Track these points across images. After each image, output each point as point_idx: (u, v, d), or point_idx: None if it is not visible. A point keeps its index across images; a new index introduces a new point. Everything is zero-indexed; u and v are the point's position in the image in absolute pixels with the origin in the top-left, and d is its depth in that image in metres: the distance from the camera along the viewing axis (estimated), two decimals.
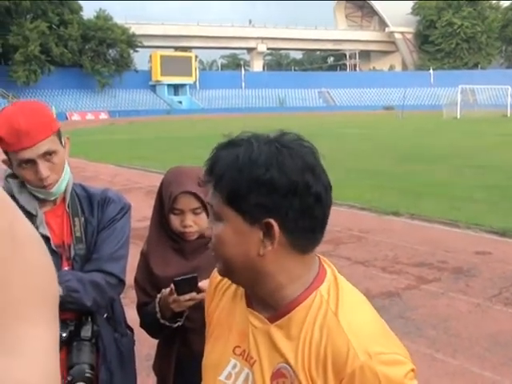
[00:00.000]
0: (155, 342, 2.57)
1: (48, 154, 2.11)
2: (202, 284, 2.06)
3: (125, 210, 2.36)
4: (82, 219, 2.27)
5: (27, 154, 2.06)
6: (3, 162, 2.20)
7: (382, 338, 1.25)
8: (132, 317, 2.62)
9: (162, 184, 2.34)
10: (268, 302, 1.33)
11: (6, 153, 2.11)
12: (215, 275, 1.59)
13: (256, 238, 1.25)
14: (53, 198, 2.20)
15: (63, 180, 2.19)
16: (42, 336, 0.34)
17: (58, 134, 2.17)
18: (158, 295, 2.25)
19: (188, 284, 2.10)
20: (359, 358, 1.17)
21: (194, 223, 2.26)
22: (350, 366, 1.18)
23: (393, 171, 15.86)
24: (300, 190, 1.22)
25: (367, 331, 1.24)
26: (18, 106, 2.14)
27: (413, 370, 1.22)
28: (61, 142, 2.19)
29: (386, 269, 7.18)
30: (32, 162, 2.09)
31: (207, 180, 1.30)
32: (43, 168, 2.09)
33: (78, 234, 2.24)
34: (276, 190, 1.21)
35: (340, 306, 1.27)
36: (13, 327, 0.33)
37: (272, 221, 1.23)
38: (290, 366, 1.27)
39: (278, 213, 1.23)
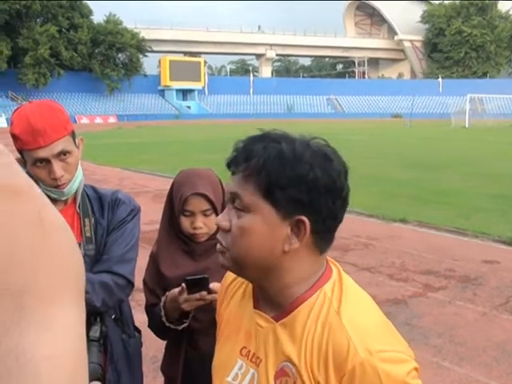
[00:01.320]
0: (161, 344, 2.57)
1: (62, 154, 2.11)
2: (213, 286, 2.07)
3: (135, 211, 2.37)
4: (93, 220, 2.28)
5: (42, 153, 2.07)
6: (17, 160, 2.20)
7: (385, 336, 1.25)
8: (139, 319, 2.62)
9: (172, 185, 2.35)
10: (275, 301, 1.34)
11: (20, 152, 2.12)
12: (227, 277, 1.60)
13: (284, 233, 1.26)
14: (64, 198, 2.20)
15: (76, 180, 2.19)
16: (70, 317, 0.35)
17: (73, 135, 2.18)
18: (163, 298, 2.25)
19: (199, 284, 2.11)
20: (359, 355, 1.18)
21: (204, 225, 2.26)
22: (350, 362, 1.18)
23: (401, 179, 15.84)
24: (335, 192, 1.26)
25: (369, 329, 1.24)
26: (35, 105, 2.15)
27: (416, 369, 1.22)
28: (75, 143, 2.20)
29: (392, 276, 7.16)
30: (46, 162, 2.09)
31: (238, 170, 1.29)
32: (57, 168, 2.10)
33: (88, 235, 2.25)
34: (316, 188, 1.23)
35: (343, 303, 1.28)
36: (41, 309, 0.34)
37: (304, 218, 1.24)
38: (294, 365, 1.27)
39: (312, 211, 1.25)
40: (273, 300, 1.34)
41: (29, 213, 0.36)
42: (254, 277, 1.35)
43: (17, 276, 0.33)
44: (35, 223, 0.36)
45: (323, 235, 1.29)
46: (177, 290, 2.16)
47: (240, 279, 1.51)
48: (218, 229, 1.35)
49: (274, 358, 1.31)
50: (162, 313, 2.24)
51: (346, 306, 1.27)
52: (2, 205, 0.35)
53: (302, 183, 1.23)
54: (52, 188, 2.14)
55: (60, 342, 0.34)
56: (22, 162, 2.15)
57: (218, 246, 1.34)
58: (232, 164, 1.31)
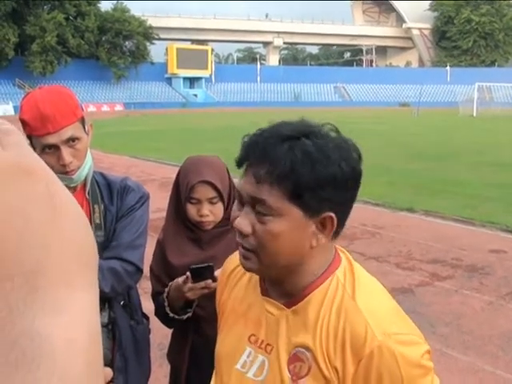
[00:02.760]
0: (168, 331, 2.58)
1: (71, 141, 2.11)
2: (218, 273, 2.07)
3: (144, 198, 2.37)
4: (102, 206, 2.28)
5: (51, 139, 2.07)
6: None
7: (398, 320, 1.27)
8: (146, 307, 2.63)
9: (179, 173, 2.35)
10: (286, 288, 1.34)
11: (29, 138, 2.12)
12: (228, 264, 1.59)
13: (310, 230, 1.26)
14: (74, 185, 2.20)
15: (85, 167, 2.19)
16: (84, 299, 0.35)
17: (82, 121, 2.17)
18: (166, 289, 2.26)
19: (204, 272, 2.11)
20: (377, 338, 1.19)
21: (211, 213, 2.26)
22: (368, 346, 1.19)
23: (408, 168, 15.80)
24: (358, 182, 1.28)
25: (384, 313, 1.26)
26: (45, 91, 2.14)
27: (428, 352, 1.23)
28: (84, 129, 2.19)
29: (399, 265, 7.16)
30: (55, 148, 2.09)
31: (263, 173, 1.23)
32: (66, 154, 2.09)
33: (97, 221, 2.25)
34: (345, 185, 1.24)
35: (357, 289, 1.29)
36: (55, 290, 0.34)
37: (333, 215, 1.24)
38: (308, 350, 1.28)
39: (339, 206, 1.25)
40: (284, 287, 1.35)
41: (40, 192, 0.36)
42: (280, 274, 1.34)
43: (30, 257, 0.33)
44: (46, 203, 0.36)
45: (342, 224, 1.30)
46: (180, 279, 2.16)
47: None
48: (233, 228, 1.33)
49: (287, 345, 1.32)
50: (166, 303, 2.25)
51: (359, 291, 1.28)
52: (12, 184, 0.35)
53: (332, 183, 1.22)
54: (61, 175, 2.13)
55: (75, 324, 0.34)
56: (31, 148, 2.14)
57: (242, 250, 1.31)
58: (251, 166, 1.27)
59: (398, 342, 1.19)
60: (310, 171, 1.20)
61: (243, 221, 1.28)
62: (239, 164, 1.30)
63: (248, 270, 1.34)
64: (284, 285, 1.35)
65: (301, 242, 1.27)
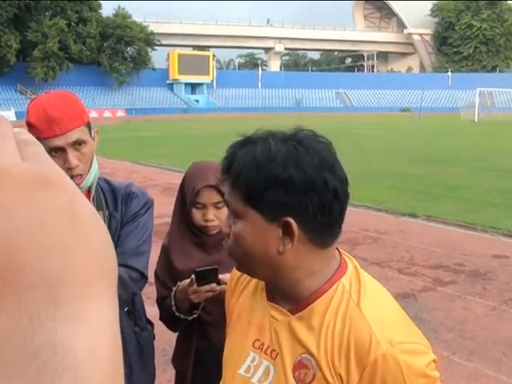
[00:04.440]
0: (171, 337, 2.58)
1: (78, 144, 2.11)
2: (223, 276, 2.08)
3: (148, 204, 2.37)
4: (107, 213, 2.28)
5: (57, 142, 2.07)
6: None
7: (404, 328, 1.27)
8: (150, 313, 2.63)
9: (184, 178, 2.35)
10: (289, 295, 1.34)
11: None
12: (236, 271, 1.60)
13: (275, 235, 1.26)
14: None
15: (91, 173, 2.19)
16: (104, 309, 0.36)
17: (88, 126, 2.18)
18: (174, 288, 2.26)
19: (208, 275, 2.11)
20: (381, 347, 1.19)
21: (216, 217, 2.27)
22: (372, 354, 1.19)
23: (410, 173, 15.79)
24: (318, 187, 1.23)
25: (389, 321, 1.26)
26: (51, 95, 2.16)
27: (434, 361, 1.23)
28: (90, 134, 2.20)
29: (402, 270, 7.16)
30: (62, 151, 2.09)
31: (224, 178, 1.30)
32: (72, 157, 2.10)
33: None
34: (294, 187, 1.22)
35: (362, 296, 1.28)
36: (76, 301, 0.34)
37: (290, 219, 1.23)
38: (313, 357, 1.27)
39: (297, 210, 1.23)
40: (287, 294, 1.35)
41: (61, 204, 0.36)
42: (263, 276, 1.37)
43: (51, 267, 0.34)
44: (67, 214, 0.36)
45: (320, 231, 1.27)
46: (187, 280, 2.17)
47: None
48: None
49: (292, 351, 1.32)
50: (173, 302, 2.25)
51: (365, 299, 1.28)
52: (33, 196, 0.35)
53: (278, 185, 1.22)
54: None
55: (97, 335, 0.34)
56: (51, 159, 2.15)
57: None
58: (222, 173, 1.33)
59: (403, 350, 1.19)
60: (255, 173, 1.22)
61: (225, 223, 1.37)
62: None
63: (236, 268, 1.42)
64: (283, 290, 1.35)
65: (265, 246, 1.27)
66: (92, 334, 0.34)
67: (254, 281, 1.50)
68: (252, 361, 1.39)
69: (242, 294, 1.54)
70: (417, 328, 1.30)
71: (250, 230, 1.27)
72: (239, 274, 1.56)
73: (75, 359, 0.33)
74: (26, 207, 0.34)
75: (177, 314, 2.26)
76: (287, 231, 1.25)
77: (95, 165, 2.22)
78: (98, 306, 0.36)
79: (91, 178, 2.20)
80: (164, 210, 3.18)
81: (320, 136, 1.32)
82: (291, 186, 1.21)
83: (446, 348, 4.92)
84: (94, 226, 0.38)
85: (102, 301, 0.36)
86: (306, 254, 1.29)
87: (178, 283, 2.24)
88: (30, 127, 2.09)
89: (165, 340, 4.01)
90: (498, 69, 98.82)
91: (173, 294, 2.26)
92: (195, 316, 2.27)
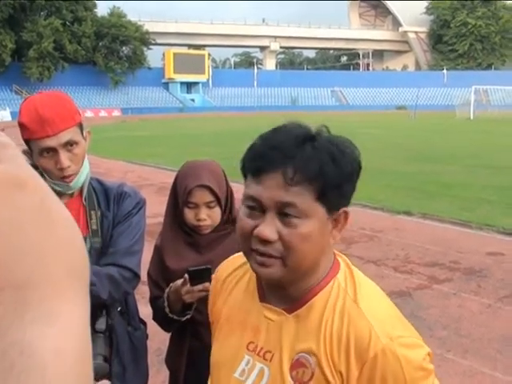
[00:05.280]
0: (165, 336, 2.58)
1: (69, 145, 2.11)
2: None
3: (140, 204, 2.37)
4: (99, 213, 2.28)
5: (49, 143, 2.07)
6: (23, 152, 2.20)
7: (400, 323, 1.29)
8: (143, 312, 2.63)
9: (176, 177, 2.35)
10: (288, 294, 1.34)
11: (26, 143, 2.12)
12: (221, 271, 1.58)
13: (329, 228, 1.29)
14: (71, 192, 2.20)
15: (82, 173, 2.19)
16: (76, 311, 0.35)
17: (80, 126, 2.18)
18: (166, 289, 2.26)
19: (202, 275, 2.11)
20: (381, 341, 1.20)
21: (208, 217, 2.27)
22: (372, 349, 1.20)
23: (405, 171, 15.81)
24: (355, 178, 1.32)
25: (386, 316, 1.27)
26: (44, 95, 2.16)
27: (429, 354, 1.25)
28: (82, 134, 2.20)
29: (397, 268, 7.16)
30: (53, 151, 2.10)
31: (290, 177, 1.23)
32: (64, 158, 2.10)
33: (94, 228, 2.25)
34: (355, 180, 1.30)
35: (358, 292, 1.30)
36: (45, 303, 0.33)
37: (347, 209, 1.30)
38: (312, 355, 1.28)
39: (349, 201, 1.30)
40: (285, 293, 1.34)
41: (34, 206, 0.36)
42: (296, 279, 1.32)
43: (20, 269, 0.33)
44: (40, 216, 0.36)
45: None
46: (180, 281, 2.17)
47: (237, 272, 1.51)
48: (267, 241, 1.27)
49: (289, 350, 1.31)
50: (166, 303, 2.25)
51: (361, 295, 1.29)
52: (7, 197, 0.35)
53: (352, 179, 1.28)
54: (58, 181, 2.14)
55: (65, 336, 0.34)
56: (29, 153, 2.15)
57: (261, 258, 1.27)
58: (269, 171, 1.25)
59: (401, 344, 1.21)
60: (335, 170, 1.24)
61: (268, 227, 1.25)
62: (256, 173, 1.27)
63: (268, 277, 1.30)
64: (287, 290, 1.34)
65: (325, 241, 1.29)
66: (61, 335, 0.34)
67: (244, 281, 1.49)
68: (246, 364, 1.39)
69: (230, 296, 1.52)
70: (408, 322, 1.32)
71: (316, 228, 1.26)
72: (225, 275, 1.55)
73: (42, 360, 0.32)
74: None
75: (170, 315, 2.25)
76: (336, 222, 1.30)
77: (86, 165, 2.22)
78: (69, 307, 0.35)
79: (82, 177, 2.20)
80: (159, 209, 3.18)
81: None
82: (355, 179, 1.29)
83: (441, 345, 4.92)
84: (66, 227, 0.37)
85: (74, 302, 0.36)
86: (331, 248, 1.35)
87: (171, 285, 2.24)
88: (22, 127, 2.09)
89: (159, 340, 4.01)
90: (493, 66, 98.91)
91: (165, 295, 2.26)
92: (188, 317, 2.27)
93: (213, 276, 1.71)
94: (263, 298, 1.40)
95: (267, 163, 1.25)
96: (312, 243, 1.26)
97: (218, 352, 1.49)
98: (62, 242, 0.36)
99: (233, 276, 1.52)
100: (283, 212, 1.25)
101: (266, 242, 1.25)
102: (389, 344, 1.20)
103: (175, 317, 2.25)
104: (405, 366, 1.18)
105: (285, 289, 1.34)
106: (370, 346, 1.21)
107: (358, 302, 1.27)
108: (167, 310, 2.25)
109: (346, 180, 1.26)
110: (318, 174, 1.22)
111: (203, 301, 2.16)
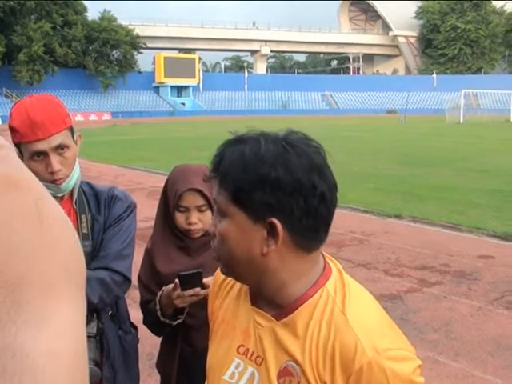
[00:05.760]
0: (157, 340, 2.57)
1: (60, 148, 2.11)
2: (207, 280, 2.06)
3: (131, 208, 2.37)
4: (89, 216, 2.27)
5: (40, 146, 2.07)
6: None
7: (389, 335, 1.26)
8: (134, 316, 2.62)
9: (167, 181, 2.35)
10: (273, 300, 1.33)
11: (17, 146, 2.12)
12: (220, 274, 1.58)
13: (260, 236, 1.25)
14: (61, 194, 2.19)
15: (73, 176, 2.19)
16: (70, 312, 0.35)
17: (71, 130, 2.18)
18: (159, 293, 2.25)
19: (193, 279, 2.10)
20: (367, 354, 1.18)
21: (199, 220, 2.26)
22: (357, 361, 1.18)
23: (395, 174, 15.85)
24: (305, 190, 1.22)
25: (374, 327, 1.24)
26: (35, 99, 2.15)
27: (419, 367, 1.22)
28: (73, 138, 2.19)
29: (388, 271, 7.17)
30: (44, 155, 2.09)
31: (213, 176, 1.29)
32: (55, 161, 2.09)
33: (84, 231, 2.24)
34: (281, 188, 1.21)
35: (347, 303, 1.27)
36: (40, 303, 0.33)
37: (275, 220, 1.22)
38: (297, 364, 1.26)
39: (283, 212, 1.22)
40: (271, 299, 1.33)
41: (28, 206, 0.35)
42: (247, 279, 1.35)
43: (14, 269, 0.33)
44: (34, 217, 0.35)
45: (305, 234, 1.26)
46: (172, 285, 2.16)
47: None
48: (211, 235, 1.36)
49: (276, 358, 1.30)
50: (158, 307, 2.24)
51: (350, 305, 1.26)
52: (0, 197, 0.35)
53: (265, 185, 1.21)
54: (49, 183, 2.13)
55: (59, 337, 0.33)
56: (19, 156, 2.14)
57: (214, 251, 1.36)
58: (211, 170, 1.32)
59: (389, 357, 1.18)
60: (243, 172, 1.22)
61: (211, 222, 1.36)
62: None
63: (221, 271, 1.39)
64: (267, 295, 1.33)
65: (249, 246, 1.26)
66: (55, 336, 0.33)
67: (238, 284, 1.49)
68: (237, 367, 1.38)
69: (226, 298, 1.52)
70: (401, 332, 1.29)
71: (234, 230, 1.26)
72: (223, 277, 1.55)
73: (35, 363, 0.32)
74: None
75: (162, 318, 2.25)
76: (272, 232, 1.24)
77: (77, 168, 2.22)
78: (63, 308, 0.35)
79: (73, 180, 2.20)
80: (150, 213, 3.18)
81: (311, 139, 1.31)
82: (278, 187, 1.20)
83: (431, 348, 4.93)
84: (61, 228, 0.37)
85: (68, 303, 0.35)
86: (290, 258, 1.28)
87: (163, 288, 2.23)
88: (13, 131, 2.08)
89: (151, 344, 4.00)
90: (482, 70, 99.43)
91: (158, 298, 2.25)
92: (180, 321, 2.26)
93: (208, 278, 1.71)
94: (255, 303, 1.40)
95: (211, 164, 1.33)
96: (231, 244, 1.27)
97: (213, 354, 1.48)
98: (57, 243, 0.36)
99: (229, 279, 1.52)
100: (215, 209, 1.32)
101: (212, 236, 1.33)
102: (375, 357, 1.17)
103: (167, 320, 2.25)
104: (391, 380, 1.16)
105: (267, 295, 1.34)
106: (355, 358, 1.18)
107: (346, 312, 1.25)
108: (159, 313, 2.24)
109: (257, 185, 1.21)
110: (226, 175, 1.25)
111: (195, 305, 2.16)
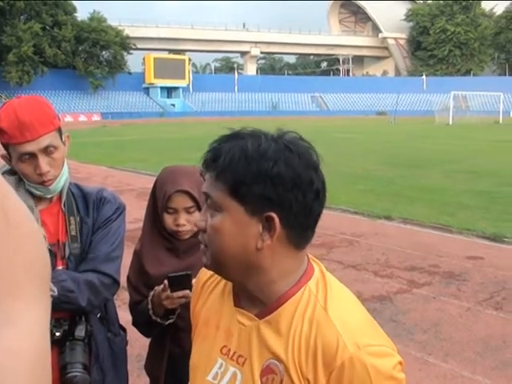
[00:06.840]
0: (146, 342, 2.57)
1: (49, 149, 2.10)
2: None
3: (120, 210, 2.35)
4: (78, 218, 2.26)
5: (29, 147, 2.06)
6: (2, 156, 2.18)
7: (370, 331, 1.26)
8: (124, 318, 2.61)
9: (156, 183, 2.34)
10: (257, 298, 1.33)
11: (5, 147, 2.10)
12: (202, 274, 1.59)
13: (255, 230, 1.25)
14: (50, 196, 2.18)
15: (61, 177, 2.17)
16: (34, 311, 0.34)
17: (59, 131, 2.17)
18: (151, 292, 2.25)
19: (182, 281, 2.10)
20: (348, 350, 1.18)
21: (188, 222, 2.26)
22: (339, 357, 1.18)
23: (385, 176, 15.90)
24: (304, 185, 1.24)
25: (356, 324, 1.25)
26: (23, 99, 2.14)
27: (400, 363, 1.23)
28: (61, 139, 2.18)
29: (377, 273, 7.19)
30: (33, 156, 2.08)
31: (209, 170, 1.29)
32: (43, 163, 2.08)
33: (73, 233, 2.23)
34: (282, 183, 1.23)
35: (329, 300, 1.28)
36: (4, 303, 0.33)
37: (273, 214, 1.23)
38: (280, 361, 1.27)
39: (281, 206, 1.24)
40: (255, 298, 1.34)
41: None
42: (234, 275, 1.34)
43: None
44: None
45: (298, 231, 1.28)
46: (161, 286, 2.16)
47: (216, 276, 1.51)
48: (199, 229, 1.35)
49: (259, 356, 1.31)
50: (150, 306, 2.24)
51: (332, 303, 1.27)
52: None
53: (266, 179, 1.23)
54: (37, 185, 2.12)
55: (22, 336, 0.33)
56: (8, 157, 2.13)
57: (201, 246, 1.34)
58: (203, 164, 1.31)
59: (370, 353, 1.19)
60: (244, 166, 1.22)
61: (200, 217, 1.34)
62: (202, 165, 1.34)
63: (205, 266, 1.37)
64: (251, 293, 1.34)
65: (243, 241, 1.27)
66: (16, 335, 0.33)
67: (221, 284, 1.49)
68: (219, 367, 1.38)
69: (208, 299, 1.52)
70: (382, 330, 1.30)
71: (229, 223, 1.26)
72: (206, 277, 1.55)
73: None
74: None
75: (153, 317, 2.24)
76: (268, 227, 1.25)
77: (66, 170, 2.21)
78: (26, 307, 0.34)
79: (62, 182, 2.19)
80: (140, 214, 3.17)
81: (304, 139, 1.33)
82: (279, 182, 1.22)
83: (421, 349, 4.95)
84: (26, 228, 0.36)
85: (32, 302, 0.35)
86: (281, 254, 1.29)
87: (155, 288, 2.23)
88: (1, 132, 2.07)
89: (140, 345, 3.99)
90: (471, 72, 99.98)
91: (150, 297, 2.25)
92: (171, 321, 2.26)
93: (194, 280, 1.71)
94: (237, 303, 1.40)
95: (203, 160, 1.32)
96: (225, 238, 1.27)
97: (195, 355, 1.49)
98: (21, 243, 0.35)
99: (212, 280, 1.53)
100: (207, 203, 1.31)
101: (200, 230, 1.33)
102: (357, 353, 1.18)
103: (158, 319, 2.25)
104: (373, 375, 1.16)
105: (250, 293, 1.34)
106: (337, 354, 1.19)
107: (328, 309, 1.26)
108: (151, 312, 2.24)
109: (258, 179, 1.23)
110: (225, 169, 1.24)
111: (185, 306, 2.16)
